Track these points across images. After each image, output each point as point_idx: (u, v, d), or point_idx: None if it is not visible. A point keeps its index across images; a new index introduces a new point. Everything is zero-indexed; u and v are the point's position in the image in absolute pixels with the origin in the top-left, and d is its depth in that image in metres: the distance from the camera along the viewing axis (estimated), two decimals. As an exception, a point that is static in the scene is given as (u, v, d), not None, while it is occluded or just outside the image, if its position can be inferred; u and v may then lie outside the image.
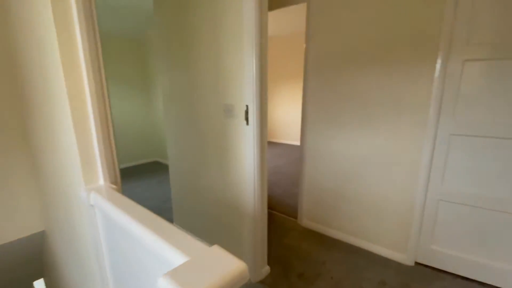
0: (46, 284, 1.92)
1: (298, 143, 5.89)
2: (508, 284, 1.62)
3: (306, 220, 2.45)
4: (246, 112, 1.51)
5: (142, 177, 4.04)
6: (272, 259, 1.98)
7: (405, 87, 1.74)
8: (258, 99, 1.48)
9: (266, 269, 1.83)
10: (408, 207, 1.86)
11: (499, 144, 1.51)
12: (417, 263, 1.91)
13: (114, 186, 1.01)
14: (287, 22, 4.79)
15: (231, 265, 0.52)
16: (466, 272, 1.74)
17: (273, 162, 4.66)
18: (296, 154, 5.26)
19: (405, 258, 1.92)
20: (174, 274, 0.51)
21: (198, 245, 0.60)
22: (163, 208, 2.91)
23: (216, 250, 0.57)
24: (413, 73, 1.69)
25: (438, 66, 1.58)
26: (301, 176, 2.40)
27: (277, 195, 3.19)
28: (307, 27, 2.13)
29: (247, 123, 1.53)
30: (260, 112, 1.51)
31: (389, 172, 1.90)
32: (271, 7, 2.30)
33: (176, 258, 0.59)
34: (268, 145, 6.13)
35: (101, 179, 1.00)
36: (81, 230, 1.16)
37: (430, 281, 1.74)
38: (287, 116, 6.29)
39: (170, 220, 2.54)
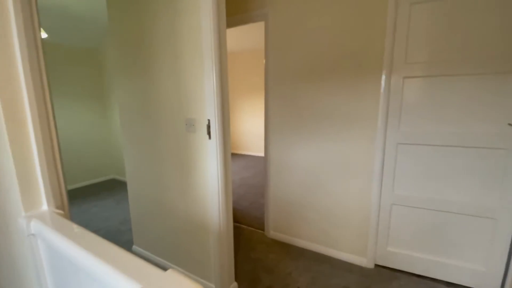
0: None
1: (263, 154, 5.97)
2: (456, 278, 1.79)
3: (273, 232, 2.47)
4: (208, 126, 1.50)
5: (99, 197, 3.73)
6: (239, 274, 1.94)
7: (356, 100, 1.88)
8: (220, 113, 1.48)
9: (234, 285, 1.79)
10: (365, 213, 1.97)
11: (439, 150, 1.69)
12: (376, 265, 2.01)
13: (60, 212, 0.92)
14: (249, 39, 4.93)
15: (187, 289, 0.51)
16: (419, 269, 1.88)
17: (239, 174, 4.65)
18: (263, 165, 5.31)
19: (365, 261, 2.02)
20: (124, 305, 0.48)
21: (152, 271, 0.57)
22: (122, 230, 2.71)
23: (171, 275, 0.55)
24: (362, 87, 1.84)
25: (383, 82, 1.75)
26: (267, 187, 2.43)
27: (243, 208, 3.17)
28: (265, 44, 2.21)
29: (210, 137, 1.52)
30: (223, 126, 1.51)
31: (346, 181, 2.01)
32: (231, 24, 2.35)
33: (128, 287, 0.55)
34: (234, 157, 6.14)
35: (44, 204, 0.91)
36: (21, 263, 1.02)
37: (388, 282, 1.84)
38: (253, 127, 6.37)
39: (129, 241, 2.37)
